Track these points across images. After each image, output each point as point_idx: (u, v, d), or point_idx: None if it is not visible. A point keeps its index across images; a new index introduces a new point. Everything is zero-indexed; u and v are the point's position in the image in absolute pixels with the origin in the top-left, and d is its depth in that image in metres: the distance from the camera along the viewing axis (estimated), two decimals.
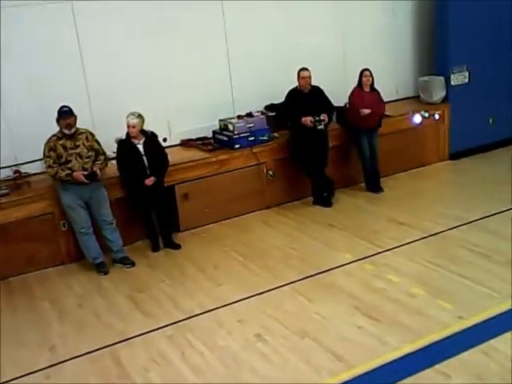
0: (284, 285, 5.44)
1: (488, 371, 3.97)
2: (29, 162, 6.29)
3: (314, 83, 7.22)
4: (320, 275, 5.59)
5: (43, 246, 6.20)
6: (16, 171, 6.22)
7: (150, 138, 6.36)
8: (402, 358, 4.21)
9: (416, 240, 6.16)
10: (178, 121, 7.52)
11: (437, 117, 8.35)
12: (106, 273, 6.01)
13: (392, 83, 8.69)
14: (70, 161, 5.78)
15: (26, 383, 4.33)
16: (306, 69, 7.06)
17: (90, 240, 6.02)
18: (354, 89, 7.52)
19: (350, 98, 7.56)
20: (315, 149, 7.14)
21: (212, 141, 7.44)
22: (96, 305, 5.43)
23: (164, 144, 7.33)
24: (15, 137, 6.46)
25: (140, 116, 6.21)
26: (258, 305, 5.14)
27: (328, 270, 5.66)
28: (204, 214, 7.05)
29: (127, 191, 6.45)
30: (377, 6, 8.44)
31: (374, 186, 7.68)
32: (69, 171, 5.74)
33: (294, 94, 7.16)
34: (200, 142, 7.40)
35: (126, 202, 6.50)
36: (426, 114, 8.20)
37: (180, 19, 7.20)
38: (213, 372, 4.27)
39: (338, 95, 7.59)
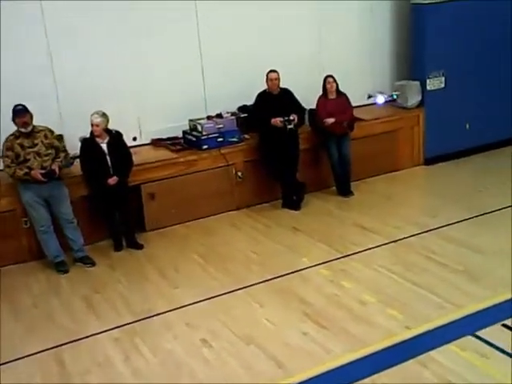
0: (238, 289, 5.44)
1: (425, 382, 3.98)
2: None
3: (288, 86, 7.22)
4: (276, 280, 5.59)
5: (5, 243, 6.19)
6: None
7: (115, 137, 6.35)
8: (342, 367, 4.21)
9: (377, 246, 6.15)
10: (148, 120, 7.50)
11: (395, 97, 8.37)
12: (65, 272, 6.02)
13: (368, 87, 8.64)
14: (29, 159, 5.78)
15: None
16: (275, 70, 7.06)
17: (50, 238, 6.02)
18: (319, 97, 7.52)
19: (316, 106, 7.56)
20: (285, 150, 7.14)
21: (182, 141, 7.42)
22: (51, 305, 5.44)
23: (134, 143, 7.38)
24: None
25: (104, 115, 6.20)
26: (209, 309, 5.14)
27: (285, 275, 5.66)
28: (170, 214, 7.05)
29: (90, 190, 6.44)
30: (354, 7, 8.40)
31: (344, 190, 7.67)
32: (27, 170, 5.73)
33: (263, 96, 7.16)
34: (169, 142, 7.39)
35: (90, 200, 6.50)
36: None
37: (154, 19, 7.17)
38: (153, 376, 4.27)
39: (314, 99, 7.57)
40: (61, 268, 6.03)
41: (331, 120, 7.32)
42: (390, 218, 6.90)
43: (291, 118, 7.03)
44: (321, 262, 5.87)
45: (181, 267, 6.01)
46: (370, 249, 6.09)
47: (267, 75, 7.09)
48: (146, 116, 7.48)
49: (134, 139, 7.43)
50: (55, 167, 5.83)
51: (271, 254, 6.17)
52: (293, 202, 7.39)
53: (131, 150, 6.83)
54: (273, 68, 7.15)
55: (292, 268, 5.77)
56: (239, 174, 7.40)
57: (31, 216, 5.97)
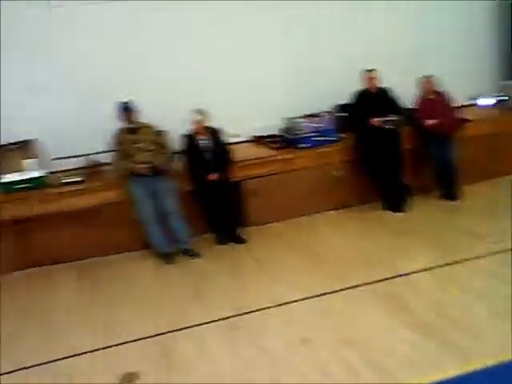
0: (340, 290, 5.36)
1: None
2: (104, 152, 6.51)
3: (389, 84, 7.05)
4: (380, 283, 5.44)
5: (115, 232, 6.47)
6: (89, 160, 6.50)
7: (214, 134, 6.46)
8: (450, 381, 4.03)
9: (488, 254, 5.84)
10: (251, 117, 7.57)
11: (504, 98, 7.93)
12: (171, 262, 6.19)
13: (471, 87, 8.27)
14: (134, 154, 5.99)
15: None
16: (373, 69, 6.94)
17: (156, 230, 6.22)
18: (418, 98, 7.30)
19: (415, 107, 7.34)
20: (384, 151, 6.97)
21: (280, 139, 7.44)
22: (157, 293, 5.62)
23: (236, 140, 7.48)
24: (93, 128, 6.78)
25: (204, 112, 6.34)
26: (309, 308, 5.10)
27: (389, 279, 5.51)
28: (270, 211, 7.08)
29: (193, 185, 6.58)
30: (455, 6, 8.07)
31: (449, 194, 7.38)
32: (132, 164, 5.94)
33: (361, 94, 7.06)
34: (269, 140, 7.43)
35: (194, 194, 6.64)
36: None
37: (253, 19, 7.27)
38: (252, 372, 4.26)
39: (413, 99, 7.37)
40: (166, 259, 6.23)
41: (432, 121, 7.09)
42: (499, 224, 6.54)
43: (391, 117, 6.86)
44: (426, 267, 5.66)
45: (281, 263, 6.02)
46: (479, 256, 5.80)
47: (365, 73, 6.98)
48: (248, 113, 7.55)
49: (237, 136, 7.52)
50: (158, 163, 5.98)
51: (373, 256, 6.03)
52: (394, 203, 7.19)
53: (233, 147, 6.96)
54: (375, 66, 7.03)
55: (396, 272, 5.60)
56: (336, 173, 7.30)
57: (138, 208, 6.19)
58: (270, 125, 7.59)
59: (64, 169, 6.56)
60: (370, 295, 5.24)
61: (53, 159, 6.53)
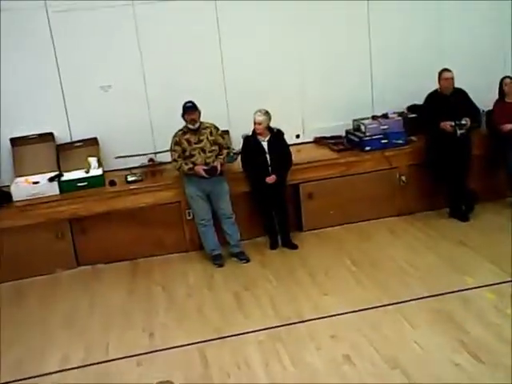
0: (390, 304, 5.13)
1: None
2: (164, 152, 6.57)
3: (463, 87, 6.64)
4: (433, 298, 5.17)
5: (169, 232, 6.52)
6: (150, 159, 6.59)
7: (276, 135, 6.34)
8: None
9: None
10: (312, 117, 7.40)
11: None
12: (220, 265, 6.18)
13: None
14: (194, 155, 5.99)
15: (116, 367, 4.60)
16: (449, 70, 6.52)
17: (209, 232, 6.21)
18: (496, 101, 6.83)
19: (492, 111, 6.88)
20: (455, 156, 6.58)
21: (345, 141, 7.20)
22: (203, 297, 5.61)
23: (297, 140, 7.34)
24: (155, 127, 6.87)
25: (267, 113, 6.21)
26: (356, 322, 4.91)
27: (443, 294, 5.22)
28: (328, 215, 6.89)
29: (250, 187, 6.51)
30: None
31: None
32: (191, 165, 5.95)
33: (433, 96, 6.65)
34: (332, 141, 7.21)
35: (250, 196, 6.58)
36: None
37: (319, 18, 7.06)
38: None
39: (491, 102, 6.90)
40: (216, 261, 6.20)
41: (510, 126, 6.62)
42: None
43: (463, 122, 6.45)
44: (487, 283, 5.32)
45: (332, 272, 5.84)
46: None
47: (440, 74, 6.58)
48: (310, 113, 7.38)
49: (297, 137, 7.40)
50: (217, 164, 5.98)
51: (430, 269, 5.74)
52: (461, 211, 6.81)
53: (293, 148, 6.83)
54: (449, 67, 6.62)
55: (452, 287, 5.30)
56: (403, 178, 7.00)
57: (192, 209, 6.22)
58: (335, 126, 7.35)
59: (125, 167, 6.64)
60: (421, 312, 4.99)
61: (116, 158, 6.64)
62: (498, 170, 7.13)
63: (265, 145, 6.28)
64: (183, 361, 4.61)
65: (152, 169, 6.57)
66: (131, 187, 6.38)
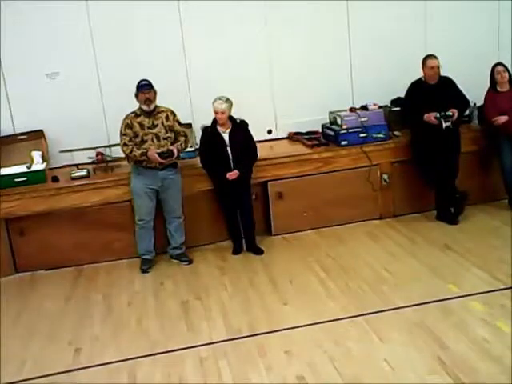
0: (358, 315, 4.37)
1: None
2: (115, 145, 5.89)
3: (452, 74, 5.93)
4: (410, 309, 4.42)
5: (119, 235, 5.80)
6: (98, 153, 5.89)
7: (239, 126, 5.63)
8: None
9: None
10: (286, 111, 6.69)
11: None
12: (145, 271, 5.53)
13: None
14: (146, 141, 5.30)
15: None
16: (434, 56, 5.81)
17: (146, 235, 5.56)
18: (487, 91, 6.10)
19: (483, 102, 6.16)
20: (441, 152, 5.86)
21: (321, 136, 6.49)
22: (145, 306, 4.88)
23: (269, 136, 6.66)
24: (109, 119, 6.18)
25: (228, 101, 5.52)
26: (317, 336, 4.16)
27: (422, 304, 4.46)
28: (300, 218, 6.17)
29: (213, 184, 5.81)
30: None
31: None
32: (144, 150, 5.26)
33: (417, 85, 5.95)
34: (307, 137, 6.50)
35: (214, 195, 5.87)
36: None
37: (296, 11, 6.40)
38: None
39: (478, 92, 6.19)
40: (144, 266, 5.57)
41: (503, 118, 5.91)
42: None
43: (449, 113, 5.74)
44: (473, 292, 4.57)
45: (297, 279, 5.10)
46: None
47: (424, 61, 5.88)
48: (284, 107, 6.68)
49: (269, 132, 6.71)
50: (175, 149, 5.31)
51: (409, 276, 4.99)
52: (450, 214, 6.06)
53: (265, 144, 6.21)
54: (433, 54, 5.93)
55: (433, 296, 4.55)
56: (385, 176, 6.27)
57: (135, 205, 5.51)
58: (312, 120, 6.65)
59: (73, 163, 5.96)
60: (395, 324, 4.24)
61: (60, 151, 5.96)
62: (491, 169, 6.42)
63: (226, 137, 5.58)
64: (108, 381, 3.86)
65: (102, 165, 5.85)
66: (76, 184, 5.67)
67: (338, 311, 4.46)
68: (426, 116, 5.80)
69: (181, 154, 5.97)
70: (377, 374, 3.65)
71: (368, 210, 6.30)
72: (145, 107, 5.32)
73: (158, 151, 5.25)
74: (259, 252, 5.74)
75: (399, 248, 5.60)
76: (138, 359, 4.06)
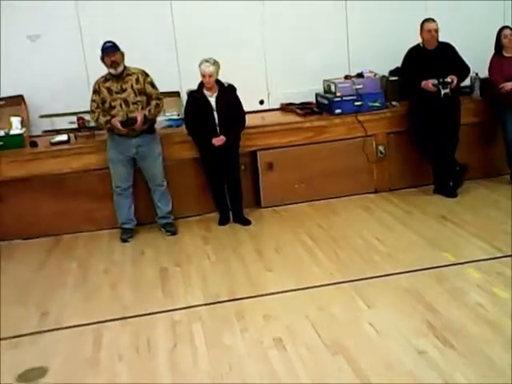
0: (345, 281, 4.09)
1: None
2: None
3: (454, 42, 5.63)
4: (402, 275, 4.13)
5: (100, 204, 5.52)
6: (79, 118, 5.63)
7: (226, 90, 5.35)
8: None
9: None
10: (279, 81, 6.40)
11: None
12: (125, 240, 5.26)
13: None
14: (114, 107, 5.02)
15: None
16: (432, 19, 5.51)
17: (123, 202, 5.28)
18: (493, 57, 5.79)
19: (488, 68, 5.84)
20: (440, 122, 5.55)
21: (315, 107, 6.20)
22: (122, 273, 4.61)
23: (260, 107, 6.38)
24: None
25: (216, 63, 5.23)
26: (300, 301, 3.88)
27: (415, 271, 4.17)
28: (292, 190, 5.88)
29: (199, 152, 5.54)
30: None
31: None
32: (109, 118, 4.99)
33: (414, 52, 5.64)
34: (300, 107, 6.21)
35: (200, 164, 5.60)
36: None
37: None
38: (191, 376, 3.15)
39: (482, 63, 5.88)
40: (123, 236, 5.29)
41: (510, 85, 5.59)
42: None
43: (448, 80, 5.44)
44: (470, 260, 4.27)
45: (284, 248, 4.82)
46: None
47: (422, 25, 5.57)
48: (276, 76, 6.38)
49: (261, 103, 6.42)
50: (138, 115, 4.98)
51: (403, 245, 4.70)
52: (448, 187, 5.76)
53: (256, 115, 5.98)
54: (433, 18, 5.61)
55: (427, 264, 4.25)
56: (381, 148, 5.98)
57: (111, 173, 5.24)
58: (306, 91, 6.35)
59: (52, 129, 5.70)
60: (383, 290, 3.95)
61: (40, 117, 5.70)
62: (493, 142, 6.11)
63: (212, 101, 5.30)
64: (72, 344, 3.61)
65: (84, 132, 5.59)
66: (55, 149, 5.42)
67: (324, 278, 4.18)
68: (423, 83, 5.50)
69: (166, 122, 5.79)
70: (360, 338, 3.37)
71: (363, 184, 6.01)
72: (112, 70, 5.02)
73: (120, 119, 4.96)
74: (246, 223, 5.46)
75: (394, 220, 5.31)
76: (107, 323, 3.79)
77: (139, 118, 4.96)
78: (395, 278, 4.09)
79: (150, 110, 5.07)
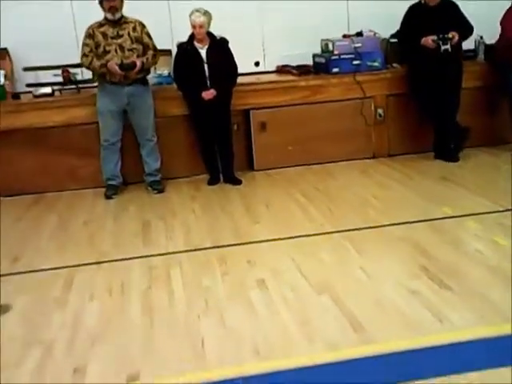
0: (336, 231, 3.84)
1: None
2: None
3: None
4: (397, 227, 3.88)
5: (85, 161, 5.28)
6: (64, 71, 5.39)
7: (218, 43, 5.11)
8: (456, 345, 2.45)
9: None
10: (275, 42, 6.13)
11: None
12: (109, 197, 5.01)
13: None
14: (109, 51, 4.79)
15: None
16: None
17: (110, 157, 5.05)
18: (507, 10, 5.51)
19: (500, 22, 5.58)
20: (440, 80, 5.29)
21: (312, 68, 5.95)
22: (102, 225, 4.37)
23: (256, 69, 6.13)
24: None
25: (207, 13, 4.99)
26: (287, 248, 3.63)
27: (411, 223, 3.92)
28: (285, 152, 5.62)
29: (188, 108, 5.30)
30: None
31: None
32: (104, 62, 4.76)
33: (415, 9, 5.38)
34: (297, 69, 5.95)
35: (190, 122, 5.36)
36: None
37: None
38: (164, 316, 2.90)
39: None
40: (108, 192, 5.04)
41: None
42: None
43: (449, 35, 5.19)
44: (470, 212, 4.02)
45: (274, 204, 4.58)
46: None
47: None
48: (273, 37, 6.12)
49: (257, 64, 6.16)
50: (138, 61, 4.78)
51: (400, 201, 4.46)
52: (449, 150, 5.50)
53: (251, 77, 5.71)
54: None
55: (424, 217, 4.00)
56: (379, 111, 5.72)
57: (100, 125, 5.00)
58: (303, 53, 6.07)
59: (36, 82, 5.46)
60: (377, 239, 3.69)
61: (24, 69, 5.47)
62: (498, 108, 5.83)
63: (203, 53, 5.06)
64: (40, 285, 3.36)
65: (70, 87, 5.34)
66: (38, 101, 5.18)
67: (315, 229, 3.93)
68: (423, 40, 5.25)
69: (156, 79, 5.55)
70: (349, 280, 3.13)
71: (360, 148, 5.75)
72: (109, 16, 4.82)
73: (119, 62, 4.74)
74: (237, 182, 5.22)
75: (393, 181, 5.05)
76: (80, 267, 3.55)
77: (138, 63, 4.75)
78: (390, 229, 3.85)
79: (147, 59, 4.88)
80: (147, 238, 4.00)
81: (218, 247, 3.71)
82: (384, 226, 3.89)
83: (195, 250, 3.70)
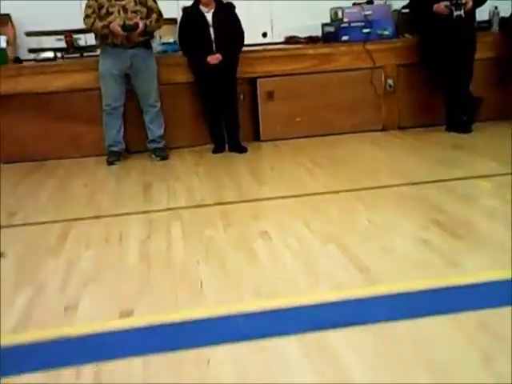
0: (345, 190, 3.70)
1: None
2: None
3: None
4: (407, 186, 3.73)
5: (88, 128, 5.15)
6: (68, 35, 5.28)
7: (224, 7, 4.99)
8: (468, 287, 2.30)
9: None
10: (284, 12, 5.98)
11: None
12: (111, 163, 4.88)
13: None
14: (112, 13, 4.68)
15: None
16: None
17: (112, 123, 4.91)
18: None
19: None
20: (452, 46, 5.13)
21: (321, 39, 5.81)
22: (103, 187, 4.25)
23: (263, 40, 6.00)
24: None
25: None
26: (295, 205, 3.50)
27: (422, 183, 3.77)
28: (293, 123, 5.47)
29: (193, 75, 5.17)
30: None
31: None
32: (106, 23, 4.64)
33: None
34: (305, 40, 5.82)
35: (195, 90, 5.23)
36: None
37: None
38: (163, 262, 2.77)
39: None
40: (110, 158, 4.90)
41: None
42: None
43: (462, 1, 5.03)
44: (483, 174, 3.86)
45: (280, 167, 4.45)
46: None
47: None
48: (281, 7, 5.99)
49: (264, 35, 6.03)
50: (141, 22, 4.66)
51: (412, 167, 4.30)
52: (461, 121, 5.33)
53: (259, 48, 5.50)
54: None
55: (435, 178, 3.85)
56: (390, 81, 5.56)
57: (102, 90, 4.87)
58: (313, 25, 5.94)
59: (39, 47, 5.36)
60: (386, 196, 3.54)
61: (26, 34, 5.37)
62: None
63: (209, 17, 4.93)
64: (36, 236, 3.25)
65: (71, 49, 5.24)
66: (39, 65, 5.08)
67: (322, 188, 3.79)
68: (435, 6, 5.09)
69: (161, 47, 5.44)
70: (356, 230, 2.99)
71: (369, 119, 5.59)
72: None
73: (121, 23, 4.63)
74: (242, 150, 5.08)
75: (403, 151, 4.91)
76: (78, 220, 3.42)
77: (141, 25, 4.63)
78: (401, 189, 3.70)
79: (150, 22, 4.76)
80: (148, 198, 3.87)
81: (222, 204, 3.57)
82: (395, 185, 3.74)
83: (197, 206, 3.57)
